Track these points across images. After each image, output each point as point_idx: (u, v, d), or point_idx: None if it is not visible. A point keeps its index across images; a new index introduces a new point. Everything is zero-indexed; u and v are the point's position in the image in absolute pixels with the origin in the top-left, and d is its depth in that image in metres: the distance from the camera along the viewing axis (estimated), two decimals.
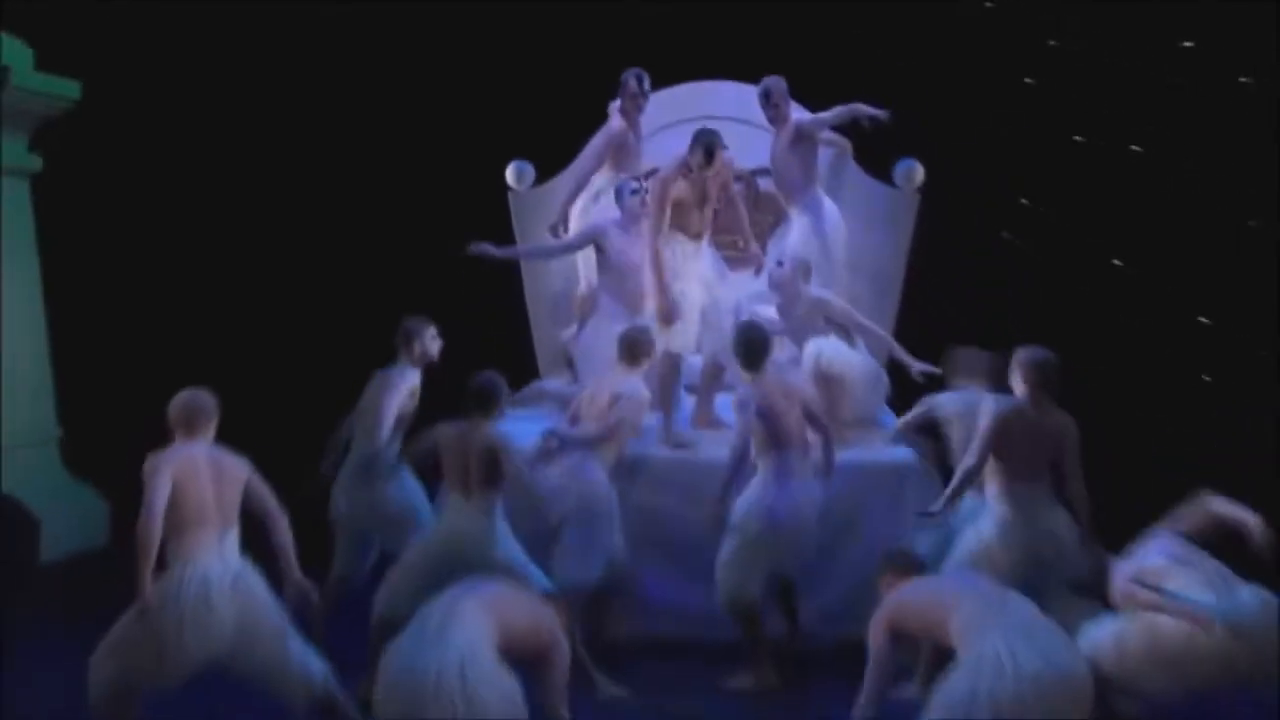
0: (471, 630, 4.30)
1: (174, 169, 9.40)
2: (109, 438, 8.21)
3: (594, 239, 7.05)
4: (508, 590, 4.82)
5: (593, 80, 7.73)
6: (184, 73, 9.24)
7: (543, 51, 8.92)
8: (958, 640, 4.33)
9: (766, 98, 7.33)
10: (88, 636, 4.76)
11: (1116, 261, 8.85)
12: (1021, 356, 5.51)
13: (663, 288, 6.75)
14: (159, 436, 4.94)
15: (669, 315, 6.76)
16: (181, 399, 4.90)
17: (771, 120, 7.38)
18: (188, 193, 9.44)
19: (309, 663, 4.83)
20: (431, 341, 6.07)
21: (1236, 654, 4.64)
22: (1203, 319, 8.73)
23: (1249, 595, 4.76)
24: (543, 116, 8.31)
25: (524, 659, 4.52)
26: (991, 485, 5.49)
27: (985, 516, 5.49)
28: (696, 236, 7.05)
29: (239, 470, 4.86)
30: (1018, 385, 5.52)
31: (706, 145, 6.79)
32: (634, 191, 6.96)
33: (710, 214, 7.16)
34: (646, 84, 7.39)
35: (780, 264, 6.96)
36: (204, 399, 4.93)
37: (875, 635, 4.76)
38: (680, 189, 6.89)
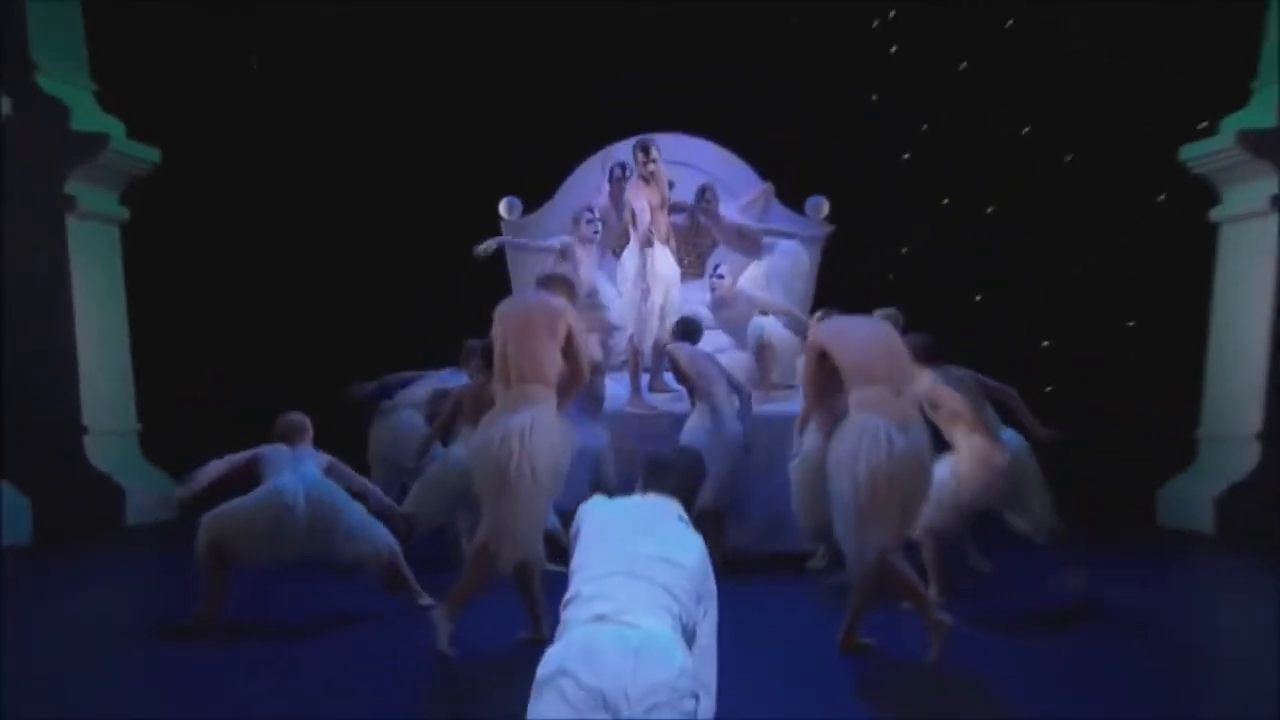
0: (539, 408, 5.33)
1: (233, 219, 10.60)
2: (178, 433, 9.53)
3: (563, 250, 8.29)
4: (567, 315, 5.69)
5: (565, 133, 9.25)
6: (239, 143, 10.57)
7: (527, 110, 10.37)
8: (853, 405, 5.34)
9: (702, 194, 8.49)
10: (164, 576, 6.15)
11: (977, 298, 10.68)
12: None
13: (640, 223, 7.96)
14: (219, 434, 6.33)
15: (648, 239, 7.96)
16: (282, 418, 6.26)
17: (703, 211, 8.53)
18: (244, 239, 10.64)
19: (377, 538, 6.11)
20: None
21: (1010, 475, 6.12)
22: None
23: (1009, 435, 6.32)
24: (527, 163, 9.64)
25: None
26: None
27: None
28: (665, 241, 8.26)
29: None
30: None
31: (642, 145, 8.19)
32: (589, 221, 8.28)
33: (667, 217, 8.39)
34: (629, 170, 8.48)
35: (720, 276, 8.44)
36: (298, 418, 6.28)
37: (807, 356, 5.74)
38: (647, 194, 8.12)
